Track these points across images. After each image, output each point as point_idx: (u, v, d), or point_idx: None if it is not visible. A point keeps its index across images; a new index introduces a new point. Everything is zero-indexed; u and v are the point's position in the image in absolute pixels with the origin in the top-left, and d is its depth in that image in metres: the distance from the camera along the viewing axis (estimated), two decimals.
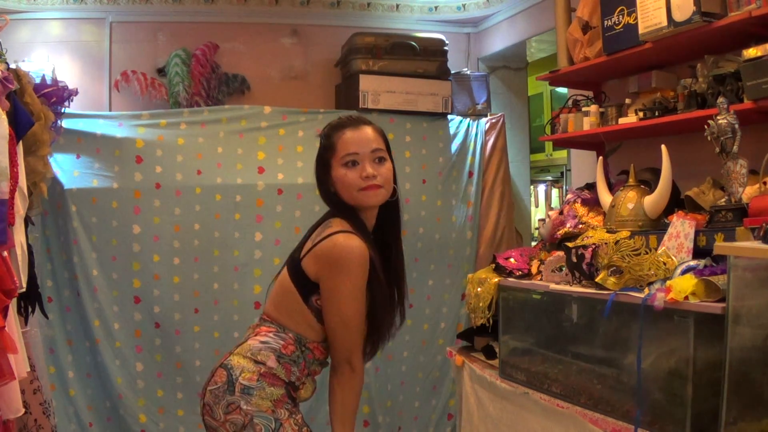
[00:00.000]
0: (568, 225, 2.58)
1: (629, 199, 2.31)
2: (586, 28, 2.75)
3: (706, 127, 1.99)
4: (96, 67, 3.78)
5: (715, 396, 1.64)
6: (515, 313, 2.54)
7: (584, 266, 2.13)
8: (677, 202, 2.32)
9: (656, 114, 2.44)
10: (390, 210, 1.74)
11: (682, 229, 2.04)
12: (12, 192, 2.08)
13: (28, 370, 2.30)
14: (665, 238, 2.09)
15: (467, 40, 4.32)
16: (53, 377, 3.15)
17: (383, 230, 1.75)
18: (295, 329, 1.67)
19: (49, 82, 2.79)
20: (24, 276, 2.26)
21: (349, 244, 1.60)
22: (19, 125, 2.21)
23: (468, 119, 3.79)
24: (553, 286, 2.27)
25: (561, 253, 2.33)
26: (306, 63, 4.00)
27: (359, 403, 1.71)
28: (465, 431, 2.72)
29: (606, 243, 2.09)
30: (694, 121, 2.22)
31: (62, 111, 2.81)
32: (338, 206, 1.69)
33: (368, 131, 1.66)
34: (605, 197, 2.47)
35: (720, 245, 1.72)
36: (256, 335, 1.70)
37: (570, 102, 2.95)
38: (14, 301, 2.16)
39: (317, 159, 1.71)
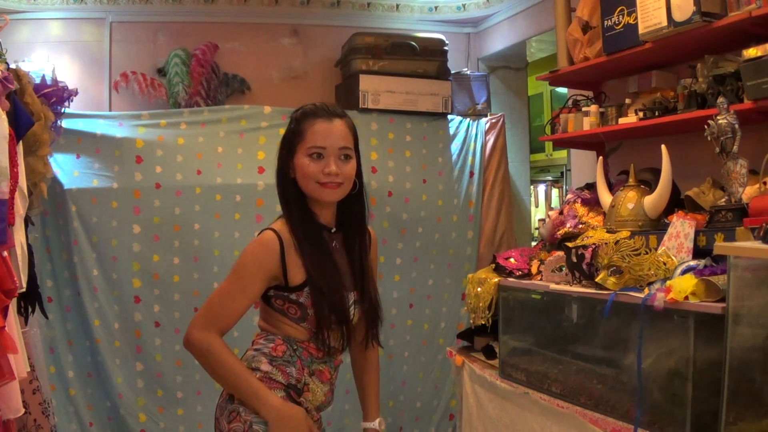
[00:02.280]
0: (568, 225, 2.58)
1: (629, 199, 2.31)
2: (586, 28, 2.75)
3: (706, 127, 1.99)
4: (96, 67, 3.78)
5: (715, 396, 1.64)
6: (515, 313, 2.54)
7: (584, 266, 2.13)
8: (677, 202, 2.32)
9: (656, 114, 2.44)
10: (353, 203, 1.71)
11: (682, 229, 2.04)
12: (12, 192, 2.08)
13: (28, 370, 2.30)
14: (665, 238, 2.09)
15: (467, 40, 4.32)
16: (53, 377, 3.15)
17: (347, 223, 1.72)
18: (279, 332, 1.66)
19: (49, 82, 2.79)
20: (24, 276, 2.26)
21: (258, 238, 1.62)
22: (19, 125, 2.21)
23: (468, 119, 3.79)
24: (553, 286, 2.27)
25: (561, 253, 2.33)
26: (306, 63, 4.00)
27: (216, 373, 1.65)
28: (465, 431, 2.72)
29: (606, 243, 2.09)
30: (694, 121, 2.22)
31: (62, 111, 2.81)
32: (287, 193, 1.66)
33: (340, 126, 1.63)
34: (605, 197, 2.47)
35: (720, 245, 1.72)
36: (252, 345, 1.71)
37: (570, 102, 2.95)
38: (14, 301, 2.16)
39: (283, 140, 1.67)
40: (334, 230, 1.69)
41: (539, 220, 3.44)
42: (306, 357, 1.65)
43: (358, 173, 1.68)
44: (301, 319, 1.63)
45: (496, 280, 2.59)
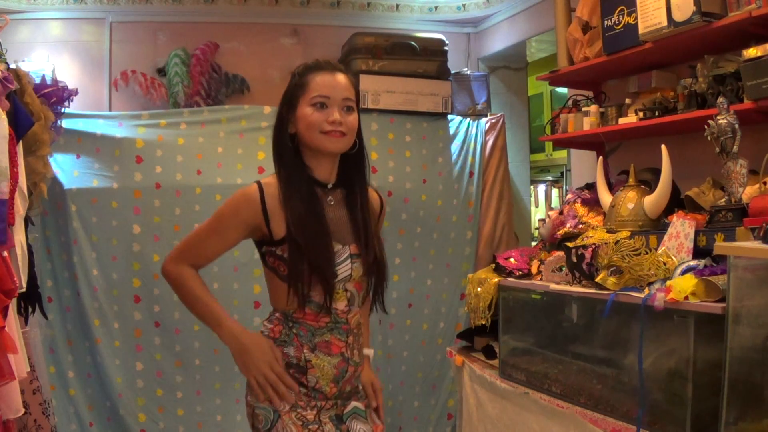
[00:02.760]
0: (568, 225, 2.58)
1: (629, 199, 2.31)
2: (586, 28, 2.76)
3: (706, 127, 1.99)
4: (96, 67, 3.78)
5: (715, 396, 1.64)
6: (515, 313, 2.54)
7: (584, 266, 2.13)
8: (677, 202, 2.32)
9: (656, 114, 2.44)
10: (353, 161, 1.70)
11: (682, 229, 2.04)
12: (12, 192, 2.08)
13: (28, 370, 2.30)
14: (665, 238, 2.09)
15: (467, 40, 4.32)
16: (53, 377, 3.15)
17: (348, 179, 1.70)
18: (278, 306, 1.64)
19: (49, 82, 2.79)
20: (24, 276, 2.26)
21: (241, 188, 1.63)
22: (19, 125, 2.21)
23: (468, 119, 3.79)
24: (553, 286, 2.27)
25: (561, 253, 2.33)
26: None
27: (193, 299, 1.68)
28: (465, 431, 2.72)
29: (606, 243, 2.09)
30: (694, 121, 2.22)
31: (62, 111, 2.81)
32: (281, 146, 1.65)
33: (342, 79, 1.65)
34: (605, 197, 2.47)
35: (720, 245, 1.72)
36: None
37: (570, 102, 2.96)
38: (14, 301, 2.16)
39: (284, 95, 1.67)
40: (330, 186, 1.67)
41: (539, 220, 3.45)
42: (305, 333, 1.60)
43: (358, 133, 1.68)
44: (288, 276, 1.60)
45: (496, 280, 2.59)
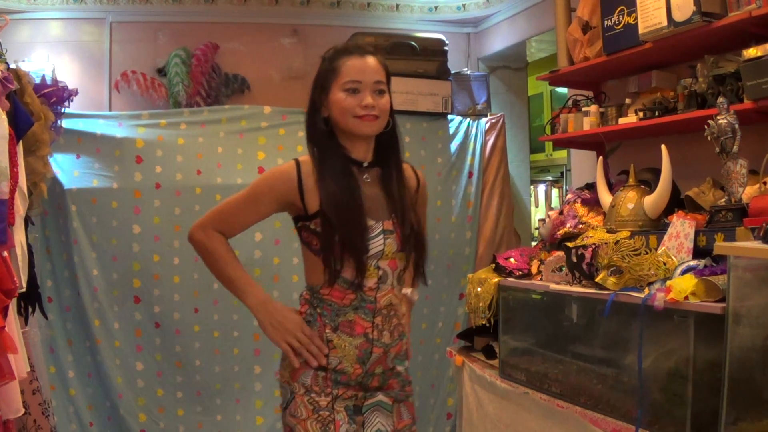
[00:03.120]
0: (568, 225, 2.58)
1: (629, 199, 2.31)
2: (586, 28, 2.75)
3: (706, 127, 1.99)
4: (96, 67, 3.78)
5: (715, 396, 1.64)
6: (515, 313, 2.54)
7: (584, 266, 2.13)
8: (677, 202, 2.32)
9: (656, 114, 2.44)
10: (387, 140, 1.74)
11: (682, 229, 2.04)
12: (12, 192, 2.08)
13: (28, 370, 2.30)
14: (665, 238, 2.09)
15: (467, 40, 4.32)
16: (53, 377, 3.15)
17: (383, 160, 1.73)
18: (310, 281, 1.66)
19: (49, 82, 2.79)
20: (24, 276, 2.26)
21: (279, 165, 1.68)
22: (19, 125, 2.21)
23: (468, 119, 3.79)
24: (553, 286, 2.27)
25: (561, 253, 2.33)
26: (306, 63, 4.00)
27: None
28: (465, 431, 2.72)
29: (606, 243, 2.09)
30: (694, 121, 2.22)
31: (62, 111, 2.81)
32: (315, 130, 1.67)
33: (372, 61, 1.66)
34: (605, 197, 2.47)
35: (720, 245, 1.72)
36: None
37: (570, 102, 2.95)
38: (14, 301, 2.16)
39: (315, 80, 1.69)
40: (366, 165, 1.69)
41: (539, 220, 3.44)
42: (328, 312, 1.61)
43: (391, 111, 1.71)
44: (320, 250, 1.61)
45: (496, 280, 2.59)
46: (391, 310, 1.66)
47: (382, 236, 1.62)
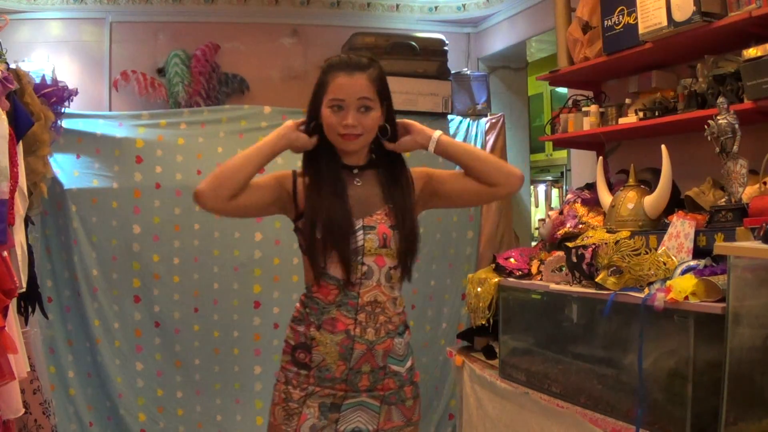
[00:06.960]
0: (568, 225, 2.58)
1: (629, 199, 2.31)
2: (586, 28, 2.75)
3: (706, 127, 1.99)
4: (96, 67, 3.78)
5: (715, 396, 1.64)
6: (515, 313, 2.54)
7: (584, 266, 2.13)
8: (677, 202, 2.32)
9: (656, 114, 2.44)
10: (387, 150, 1.75)
11: (682, 229, 2.04)
12: (12, 192, 2.08)
13: (28, 370, 2.30)
14: (665, 238, 2.09)
15: (467, 40, 4.32)
16: (53, 377, 3.15)
17: (380, 162, 1.75)
18: (305, 281, 1.70)
19: (49, 82, 2.79)
20: (24, 276, 2.26)
21: None
22: (19, 125, 2.21)
23: (468, 119, 3.79)
24: (553, 286, 2.27)
25: (561, 253, 2.33)
26: (306, 63, 4.00)
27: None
28: (465, 431, 2.72)
29: (606, 243, 2.09)
30: (694, 121, 2.22)
31: (62, 111, 2.81)
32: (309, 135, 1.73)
33: (360, 79, 1.66)
34: (605, 197, 2.47)
35: (720, 245, 1.72)
36: None
37: (570, 102, 2.95)
38: (14, 301, 2.16)
39: (313, 89, 1.73)
40: (357, 170, 1.71)
41: (539, 220, 3.44)
42: (315, 311, 1.63)
43: (391, 119, 1.71)
44: (306, 248, 1.67)
45: (496, 280, 2.59)
46: (377, 307, 1.67)
47: (361, 232, 1.64)
